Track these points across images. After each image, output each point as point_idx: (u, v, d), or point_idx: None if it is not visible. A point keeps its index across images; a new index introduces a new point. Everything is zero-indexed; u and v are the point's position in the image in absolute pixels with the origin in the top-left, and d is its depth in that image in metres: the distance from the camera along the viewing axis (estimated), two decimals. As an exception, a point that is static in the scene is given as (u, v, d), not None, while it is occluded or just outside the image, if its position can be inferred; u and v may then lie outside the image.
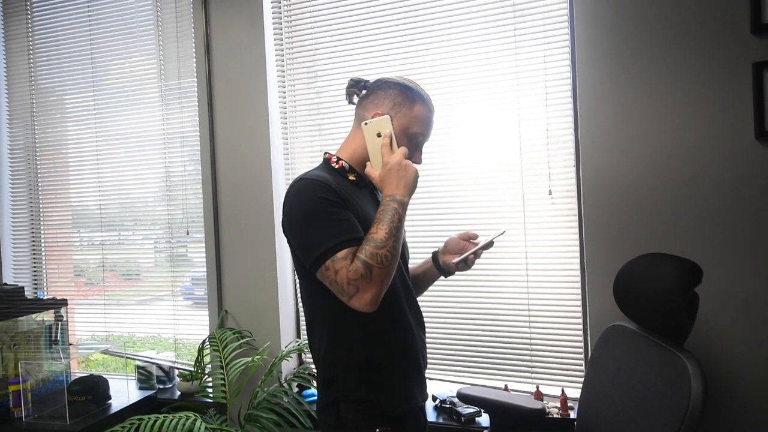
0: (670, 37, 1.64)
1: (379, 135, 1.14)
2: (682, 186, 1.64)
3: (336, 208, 1.08)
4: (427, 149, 1.97)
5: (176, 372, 2.30)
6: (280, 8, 2.20)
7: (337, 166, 1.20)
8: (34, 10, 2.58)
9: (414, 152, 1.20)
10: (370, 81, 1.26)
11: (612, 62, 1.70)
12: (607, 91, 1.71)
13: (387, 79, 1.22)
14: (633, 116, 1.69)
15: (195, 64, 2.27)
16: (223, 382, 1.95)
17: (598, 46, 1.71)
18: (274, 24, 2.19)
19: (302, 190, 1.09)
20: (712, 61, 1.61)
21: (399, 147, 1.14)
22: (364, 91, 1.25)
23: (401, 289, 1.20)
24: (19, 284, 2.42)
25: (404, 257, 1.27)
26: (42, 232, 2.63)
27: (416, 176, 1.12)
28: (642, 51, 1.67)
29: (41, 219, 2.63)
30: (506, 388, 1.89)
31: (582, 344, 1.82)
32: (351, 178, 1.20)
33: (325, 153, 1.25)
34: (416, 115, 1.18)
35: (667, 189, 1.66)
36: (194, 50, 2.27)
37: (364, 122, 1.17)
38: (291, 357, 2.08)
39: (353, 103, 1.27)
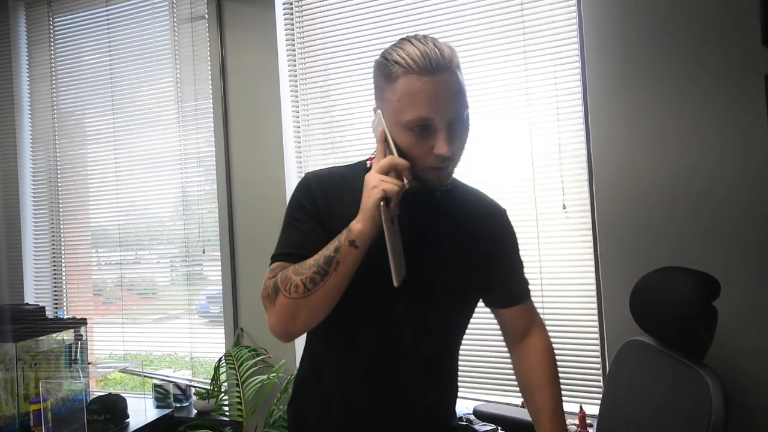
0: (680, 51, 1.65)
1: None
2: (696, 198, 1.63)
3: (301, 214, 0.92)
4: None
5: (193, 390, 2.31)
6: (293, 30, 2.25)
7: (369, 164, 0.98)
8: (57, 37, 2.67)
9: (419, 141, 0.84)
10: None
11: (622, 76, 1.71)
12: (618, 104, 1.71)
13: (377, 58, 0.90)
14: (644, 130, 1.69)
15: (210, 86, 2.32)
16: (239, 400, 1.95)
17: (608, 60, 1.72)
18: (287, 45, 2.24)
19: (296, 186, 0.98)
20: (723, 74, 1.60)
21: (398, 145, 0.86)
22: None
23: (373, 336, 0.93)
24: (40, 304, 2.46)
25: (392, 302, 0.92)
26: (62, 252, 2.69)
27: (377, 202, 0.81)
28: (652, 65, 1.68)
29: (62, 239, 2.68)
30: (523, 405, 1.87)
31: (599, 360, 1.79)
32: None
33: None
34: (401, 96, 0.82)
35: (682, 201, 1.65)
36: (210, 73, 2.33)
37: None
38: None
39: None
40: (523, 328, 1.07)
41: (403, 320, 0.93)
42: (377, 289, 0.89)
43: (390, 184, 0.81)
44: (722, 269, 1.58)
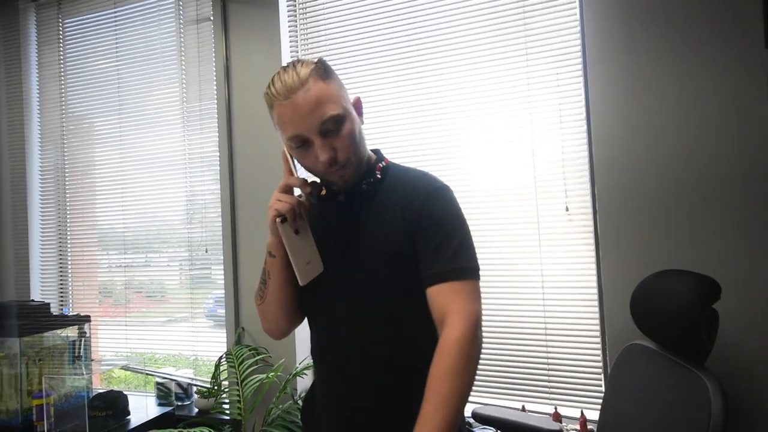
0: (681, 53, 1.63)
1: None
2: (700, 201, 1.61)
3: None
4: (441, 167, 2.00)
5: (194, 389, 2.32)
6: (296, 32, 2.26)
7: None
8: (66, 38, 2.71)
9: (306, 154, 0.96)
10: None
11: (624, 78, 1.70)
12: (620, 106, 1.70)
13: None
14: (646, 133, 1.67)
15: (215, 87, 2.34)
16: (238, 398, 1.96)
17: (610, 62, 1.71)
18: (291, 47, 2.25)
19: None
20: (725, 76, 1.59)
21: (296, 165, 1.00)
22: None
23: (325, 324, 1.05)
24: (46, 301, 2.49)
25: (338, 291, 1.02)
26: (69, 250, 2.72)
27: (272, 219, 0.96)
28: (654, 67, 1.66)
29: (68, 237, 2.71)
30: (523, 409, 1.85)
31: (601, 364, 1.77)
32: (322, 193, 1.08)
33: None
34: (277, 121, 0.95)
35: (684, 203, 1.63)
36: (215, 74, 2.35)
37: None
38: (305, 374, 2.08)
39: None
40: (439, 315, 0.92)
41: (340, 307, 1.02)
42: (316, 283, 1.02)
43: (282, 203, 0.95)
44: (724, 272, 1.56)
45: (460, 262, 0.95)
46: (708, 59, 1.61)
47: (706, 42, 1.61)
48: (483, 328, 1.89)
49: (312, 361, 1.11)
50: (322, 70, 0.96)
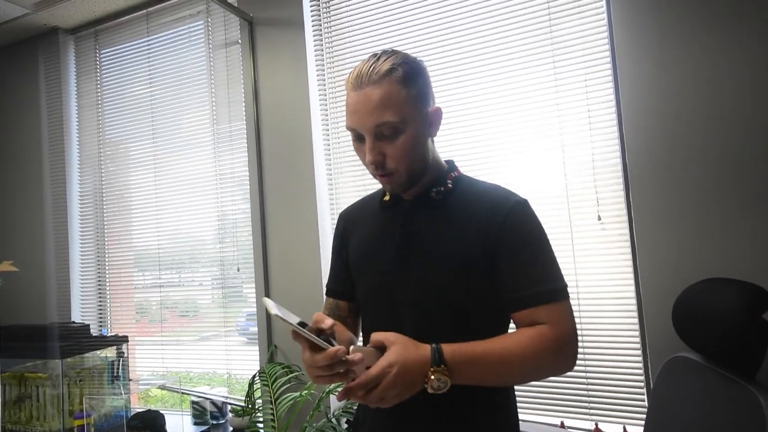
0: (715, 54, 1.59)
1: None
2: (740, 205, 1.54)
3: (334, 250, 1.17)
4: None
5: (229, 408, 2.33)
6: (322, 52, 2.30)
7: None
8: (103, 67, 2.83)
9: (360, 148, 0.98)
10: None
11: (655, 82, 1.66)
12: (652, 110, 1.66)
13: None
14: (681, 135, 1.62)
15: (244, 108, 2.39)
16: (272, 417, 1.96)
17: (640, 66, 1.67)
18: (317, 67, 2.29)
19: None
20: (764, 73, 1.53)
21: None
22: None
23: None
24: (86, 322, 2.56)
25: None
26: (107, 272, 2.80)
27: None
28: (686, 67, 1.62)
29: (107, 260, 2.80)
30: (563, 425, 1.79)
31: (643, 378, 1.70)
32: (385, 199, 1.09)
33: None
34: (346, 107, 0.98)
35: (726, 207, 1.56)
36: (243, 95, 2.40)
37: None
38: (338, 392, 2.06)
39: None
40: None
41: (403, 312, 0.99)
42: (377, 290, 1.04)
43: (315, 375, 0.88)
44: (774, 280, 1.48)
45: (549, 283, 0.94)
46: (746, 57, 1.55)
47: (743, 41, 1.56)
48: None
49: None
50: (401, 73, 0.93)
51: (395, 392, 0.83)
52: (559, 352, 0.91)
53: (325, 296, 1.16)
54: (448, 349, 0.86)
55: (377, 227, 1.07)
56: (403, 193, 1.03)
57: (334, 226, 1.20)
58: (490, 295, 0.96)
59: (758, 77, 1.54)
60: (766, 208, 1.52)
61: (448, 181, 1.03)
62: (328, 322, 0.86)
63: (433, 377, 0.83)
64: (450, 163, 1.09)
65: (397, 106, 0.92)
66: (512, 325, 1.01)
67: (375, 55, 0.95)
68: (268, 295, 2.27)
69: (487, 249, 0.94)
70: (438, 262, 0.96)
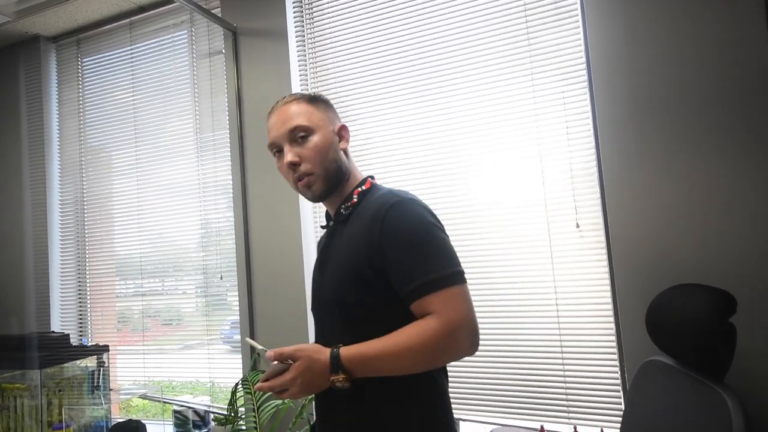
0: (686, 73, 1.64)
1: None
2: (713, 213, 1.60)
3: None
4: (449, 187, 2.01)
5: (211, 416, 2.32)
6: (305, 62, 2.32)
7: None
8: (85, 75, 2.82)
9: (280, 162, 1.13)
10: None
11: (631, 94, 1.71)
12: (627, 121, 1.71)
13: None
14: (654, 146, 1.67)
15: (228, 117, 2.40)
16: (255, 425, 1.95)
17: (615, 78, 1.73)
18: (300, 77, 2.31)
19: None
20: (737, 99, 1.59)
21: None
22: None
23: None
24: (66, 332, 2.53)
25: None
26: (87, 281, 2.77)
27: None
28: (659, 83, 1.67)
29: (87, 268, 2.77)
30: (542, 429, 1.82)
31: (619, 382, 1.74)
32: (322, 225, 1.26)
33: None
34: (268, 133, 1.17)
35: (697, 216, 1.62)
36: (227, 104, 2.42)
37: None
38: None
39: None
40: None
41: (325, 324, 1.14)
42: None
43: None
44: (742, 285, 1.53)
45: (432, 273, 0.97)
46: (716, 70, 1.61)
47: (712, 58, 1.62)
48: (498, 347, 1.89)
49: None
50: (310, 97, 1.12)
51: (302, 395, 0.99)
52: (448, 338, 0.95)
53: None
54: (346, 353, 0.98)
55: (319, 249, 1.24)
56: (324, 200, 1.14)
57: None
58: (388, 295, 1.02)
59: (725, 82, 1.60)
60: (738, 214, 1.57)
61: (354, 196, 1.13)
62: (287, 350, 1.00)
63: (334, 380, 0.97)
64: (367, 178, 1.17)
65: (306, 114, 1.09)
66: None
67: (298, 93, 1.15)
68: (250, 301, 2.27)
69: (371, 254, 1.01)
70: (336, 272, 1.08)
